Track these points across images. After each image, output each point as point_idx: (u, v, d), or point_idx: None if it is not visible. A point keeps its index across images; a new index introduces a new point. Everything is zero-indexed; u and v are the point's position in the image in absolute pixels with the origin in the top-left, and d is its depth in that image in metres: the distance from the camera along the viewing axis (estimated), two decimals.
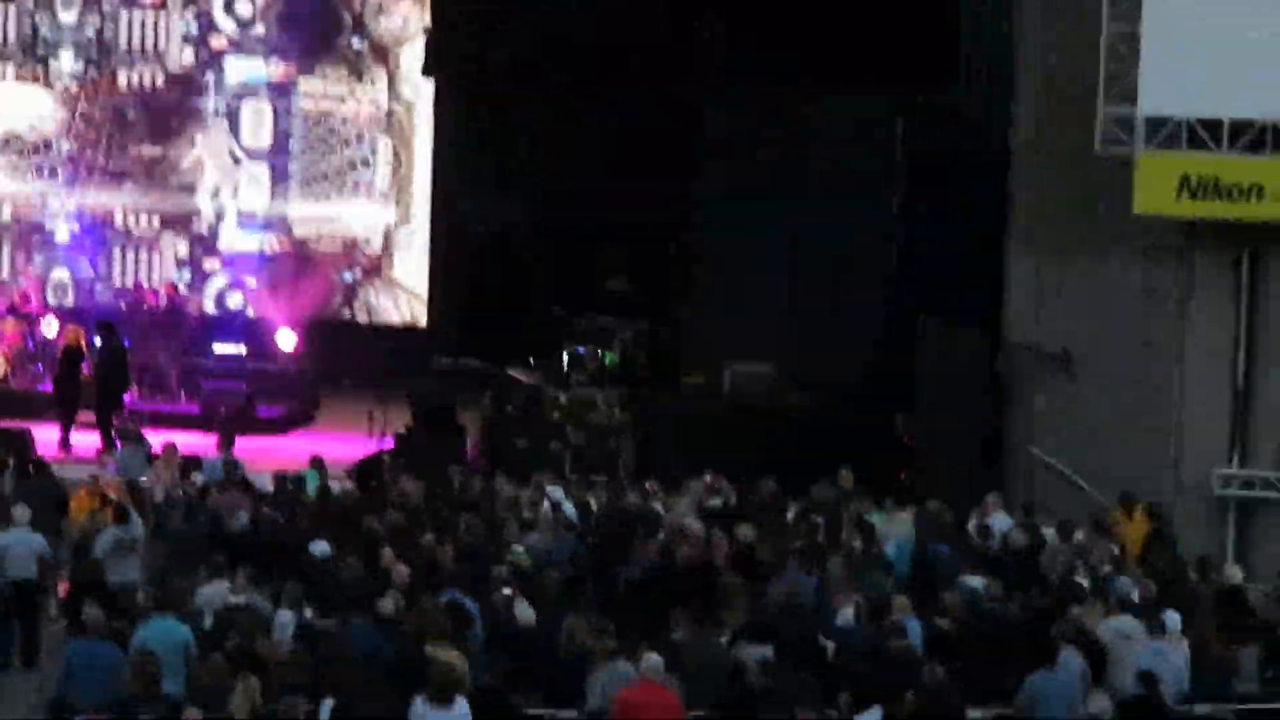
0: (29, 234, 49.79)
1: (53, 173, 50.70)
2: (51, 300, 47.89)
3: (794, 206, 42.37)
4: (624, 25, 43.91)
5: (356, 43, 50.16)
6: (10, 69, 50.96)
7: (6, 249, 50.14)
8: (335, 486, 35.60)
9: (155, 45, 50.74)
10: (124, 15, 50.43)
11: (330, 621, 27.66)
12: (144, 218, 50.22)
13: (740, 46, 43.14)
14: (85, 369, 43.33)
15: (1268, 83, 36.57)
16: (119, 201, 50.58)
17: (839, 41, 42.35)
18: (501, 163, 48.21)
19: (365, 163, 50.09)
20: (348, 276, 50.15)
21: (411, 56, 47.10)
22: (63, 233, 49.89)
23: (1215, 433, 37.21)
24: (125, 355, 43.55)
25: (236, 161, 50.52)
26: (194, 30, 50.61)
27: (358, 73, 50.28)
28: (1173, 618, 28.81)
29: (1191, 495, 36.34)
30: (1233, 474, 36.97)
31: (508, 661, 26.93)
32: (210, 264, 49.95)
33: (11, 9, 50.85)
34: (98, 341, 43.63)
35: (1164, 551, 33.28)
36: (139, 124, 50.95)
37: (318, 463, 36.79)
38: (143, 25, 50.70)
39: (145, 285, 48.56)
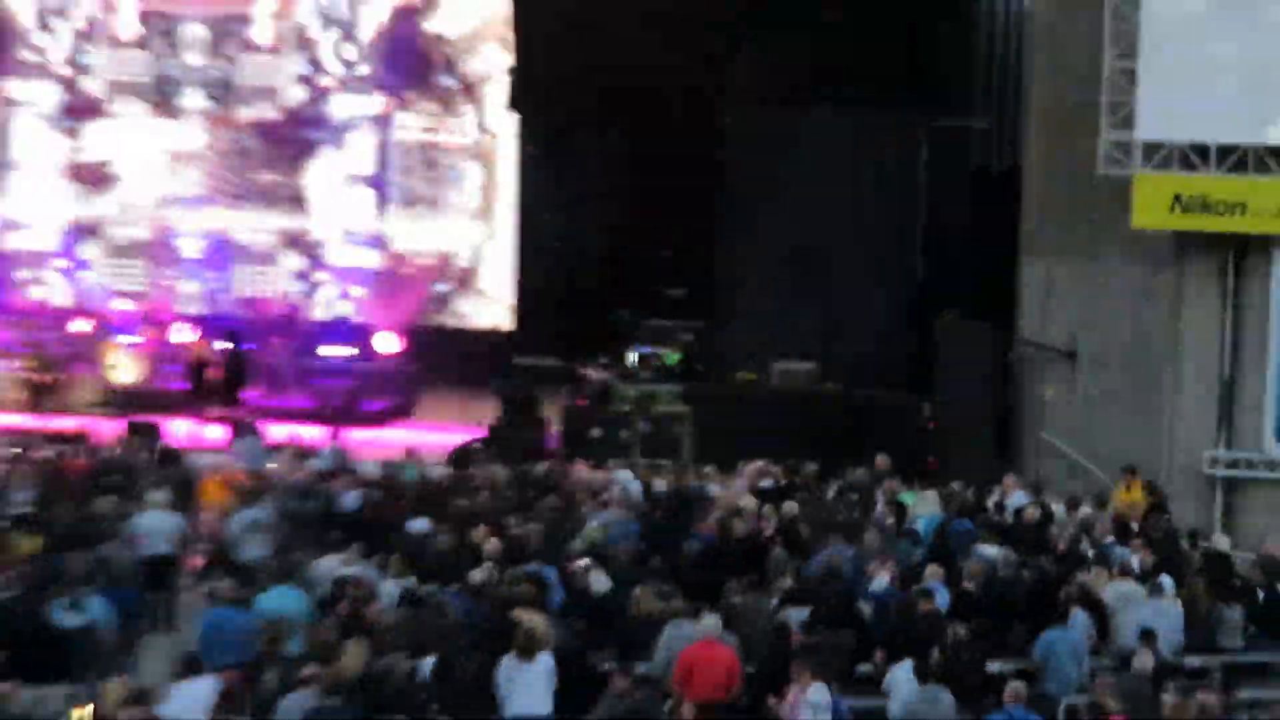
0: (162, 251, 49.89)
1: (183, 197, 50.80)
2: (182, 310, 47.91)
3: (832, 219, 42.45)
4: (675, 59, 43.98)
5: (448, 81, 50.21)
6: (146, 106, 51.07)
7: (143, 265, 50.24)
8: (432, 472, 35.83)
9: (271, 84, 50.87)
10: (244, 58, 50.54)
11: (429, 589, 27.80)
12: (262, 235, 50.29)
13: (785, 75, 43.20)
14: (212, 371, 43.51)
15: (1250, 110, 36.61)
16: (240, 221, 50.69)
17: (875, 72, 42.43)
18: (574, 186, 48.26)
19: (456, 186, 50.12)
20: (441, 287, 50.23)
21: (496, 93, 47.07)
22: (192, 249, 49.96)
23: (1204, 419, 37.21)
24: (246, 359, 43.70)
25: (344, 186, 50.58)
26: (305, 71, 50.72)
27: (449, 107, 50.33)
28: (1168, 581, 28.97)
29: (1183, 474, 36.37)
30: (1219, 455, 36.97)
31: (584, 624, 27.01)
32: (320, 276, 50.04)
33: (147, 54, 50.96)
34: (224, 347, 43.81)
35: (1160, 523, 33.38)
36: (258, 153, 51.06)
37: (412, 454, 37.24)
38: (260, 67, 50.82)
39: (263, 296, 48.62)
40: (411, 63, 50.45)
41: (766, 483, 35.12)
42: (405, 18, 50.04)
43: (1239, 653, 28.29)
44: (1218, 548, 32.54)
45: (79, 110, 51.71)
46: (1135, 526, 33.14)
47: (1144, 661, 25.55)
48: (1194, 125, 36.70)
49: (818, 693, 23.57)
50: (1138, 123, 36.80)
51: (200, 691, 23.40)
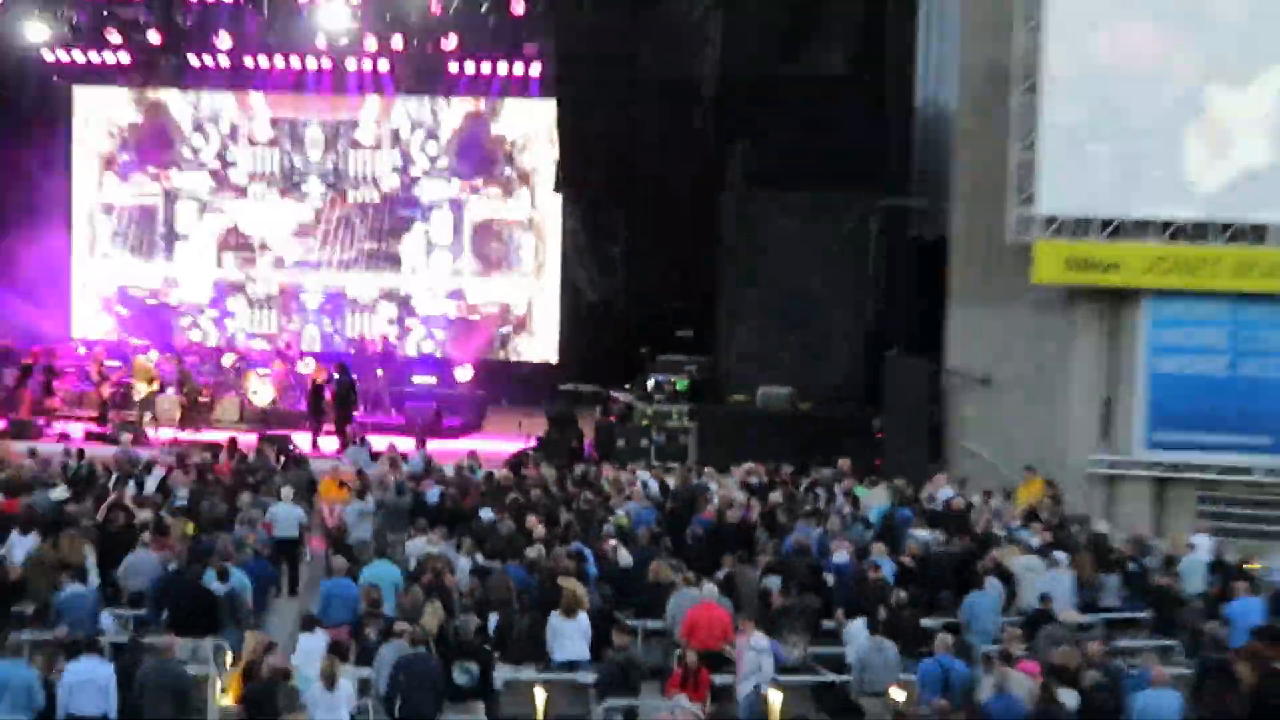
0: (290, 302, 50.01)
1: (306, 261, 50.89)
2: (305, 348, 48.00)
3: (806, 276, 42.42)
4: (682, 154, 44.07)
5: (508, 170, 50.24)
6: (275, 191, 51.12)
7: (275, 313, 50.30)
8: (495, 473, 36.02)
9: (373, 173, 50.96)
10: (352, 153, 50.63)
11: (494, 564, 27.92)
12: (367, 290, 50.38)
13: (769, 164, 43.23)
14: (327, 395, 43.55)
15: (1122, 192, 36.61)
16: (350, 280, 50.76)
17: (839, 162, 42.39)
18: (604, 250, 48.28)
19: (514, 252, 50.16)
20: (503, 330, 50.21)
21: (545, 179, 47.09)
22: (313, 301, 50.08)
23: (1088, 430, 37.19)
24: (354, 385, 43.70)
25: (429, 252, 50.62)
26: (399, 163, 50.78)
27: (508, 190, 50.37)
28: (1061, 556, 29.04)
29: (1073, 473, 36.34)
30: (1100, 458, 36.97)
31: (612, 590, 27.20)
32: (411, 322, 50.06)
33: (277, 150, 51.04)
34: (336, 376, 43.85)
35: (1055, 511, 33.44)
36: (362, 226, 51.13)
37: (474, 456, 37.42)
38: (365, 160, 50.91)
39: (367, 337, 48.68)
40: (480, 157, 50.43)
41: (753, 480, 35.25)
42: (475, 122, 50.02)
43: (1115, 610, 28.29)
44: (1099, 530, 32.62)
45: (226, 194, 51.73)
46: (1037, 513, 33.30)
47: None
48: (1081, 202, 36.64)
49: (759, 639, 23.91)
50: (1037, 201, 36.76)
51: (316, 643, 23.46)
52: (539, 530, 30.28)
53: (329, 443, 41.29)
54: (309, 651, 23.61)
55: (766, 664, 23.80)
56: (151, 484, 33.70)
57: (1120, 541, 31.99)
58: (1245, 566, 29.70)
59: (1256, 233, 36.39)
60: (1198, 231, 36.69)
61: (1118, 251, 36.92)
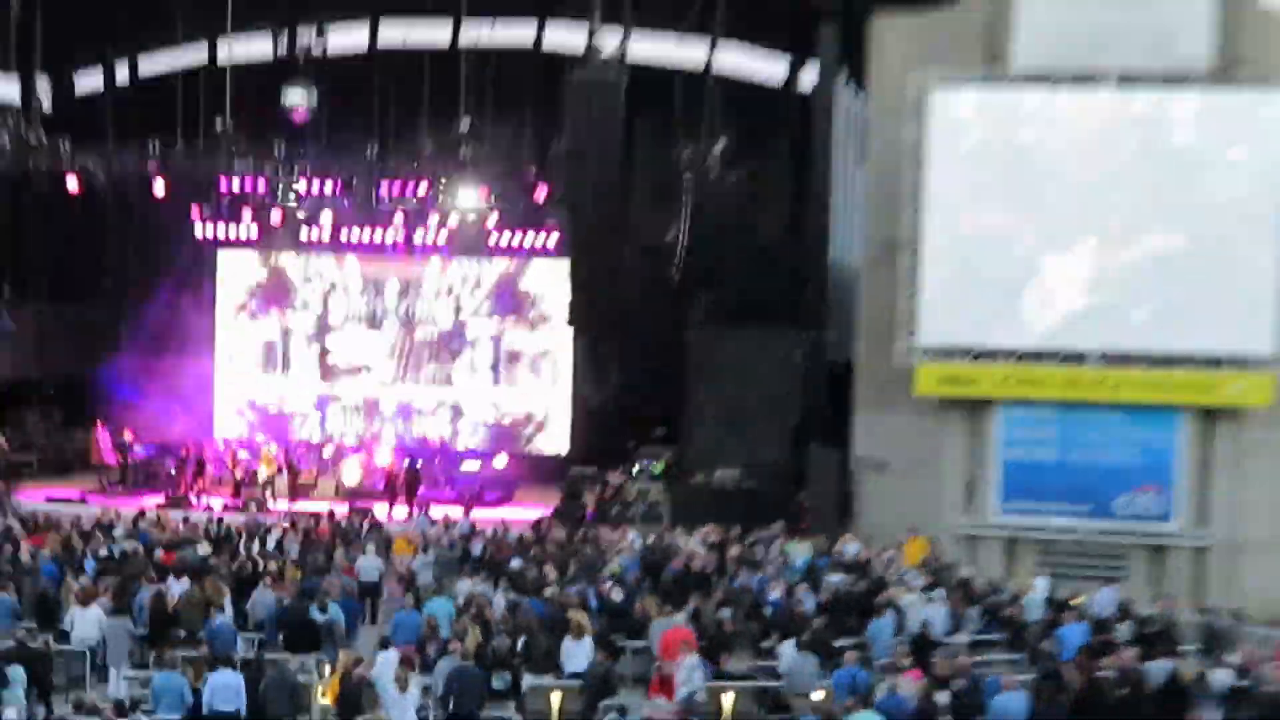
0: (372, 410, 50.14)
1: (384, 380, 50.89)
2: (383, 443, 47.95)
3: (749, 393, 42.46)
4: (657, 298, 44.15)
5: (532, 313, 50.31)
6: (362, 328, 51.15)
7: (362, 417, 50.36)
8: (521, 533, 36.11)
9: (434, 315, 51.03)
10: (418, 301, 50.72)
11: (522, 599, 27.93)
12: (428, 401, 50.43)
13: (721, 307, 43.34)
14: (399, 478, 43.62)
15: (979, 330, 36.66)
16: (416, 393, 50.76)
17: (773, 307, 42.57)
18: (603, 370, 48.32)
19: (536, 373, 50.21)
20: (528, 430, 50.23)
21: (560, 317, 47.13)
22: (389, 409, 50.17)
23: (957, 502, 37.17)
24: (418, 471, 43.73)
25: (475, 373, 50.60)
26: (453, 307, 50.83)
27: (534, 327, 50.42)
28: (938, 593, 29.08)
29: (945, 533, 36.26)
30: (965, 523, 36.97)
31: (608, 620, 27.20)
32: (461, 424, 50.05)
33: (363, 298, 51.15)
34: (405, 464, 43.91)
35: (932, 561, 33.44)
36: (426, 354, 51.17)
37: (504, 523, 37.49)
38: (427, 305, 50.97)
39: (428, 436, 48.70)
40: (512, 302, 50.49)
41: (711, 538, 35.11)
42: (508, 278, 50.10)
43: (977, 634, 28.29)
44: (965, 575, 32.57)
45: (324, 330, 51.78)
46: (916, 561, 33.37)
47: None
48: (950, 337, 36.72)
49: (691, 659, 23.95)
50: (918, 336, 36.82)
51: (391, 658, 23.50)
52: (553, 575, 30.51)
53: (400, 513, 41.24)
54: (385, 664, 23.71)
55: (697, 677, 23.83)
56: (271, 542, 33.94)
57: (980, 583, 32.06)
58: (1071, 602, 29.69)
59: (1077, 358, 36.48)
60: (1034, 357, 36.72)
61: (977, 372, 36.92)
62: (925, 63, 37.37)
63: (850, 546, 34.78)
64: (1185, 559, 36.61)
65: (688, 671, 24.07)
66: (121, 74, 54.50)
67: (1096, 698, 23.18)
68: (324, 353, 52.11)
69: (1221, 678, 24.50)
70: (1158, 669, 24.36)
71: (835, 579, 30.84)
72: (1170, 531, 36.65)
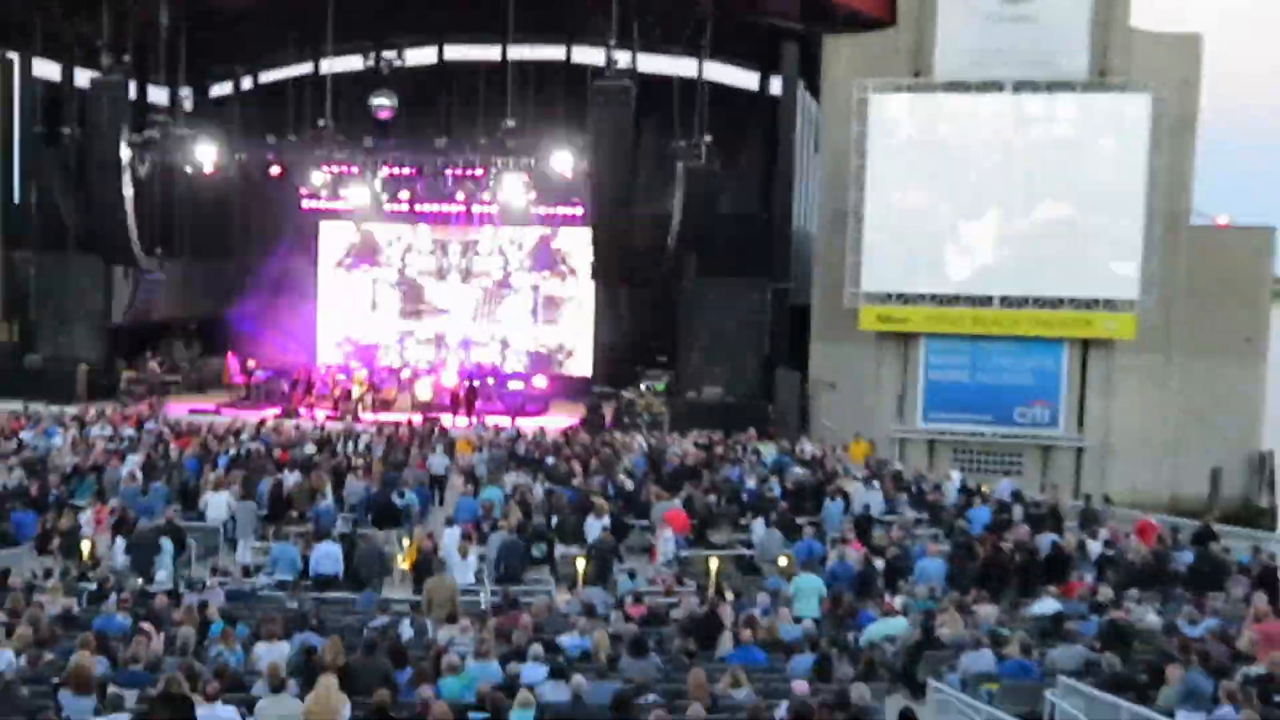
0: (440, 342, 50.35)
1: (449, 319, 50.74)
2: (448, 368, 47.66)
3: (729, 329, 42.35)
4: (659, 257, 43.85)
5: (562, 267, 50.23)
6: (432, 279, 51.45)
7: (432, 347, 50.42)
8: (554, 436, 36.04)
9: (487, 270, 51.24)
10: (475, 258, 51.12)
11: (556, 488, 28.03)
12: (483, 335, 50.44)
13: (708, 263, 43.05)
14: (461, 395, 43.50)
15: (910, 278, 36.65)
16: (474, 329, 50.73)
17: (748, 261, 42.27)
18: (618, 311, 48.24)
19: (566, 313, 50.53)
20: (560, 357, 50.03)
21: (584, 269, 46.87)
22: (453, 341, 50.19)
23: (890, 412, 37.07)
24: (475, 389, 43.60)
25: (519, 315, 50.61)
26: (502, 264, 51.07)
27: (563, 278, 50.27)
28: (873, 484, 29.02)
29: (881, 436, 36.27)
30: (896, 428, 36.94)
31: (622, 503, 27.09)
32: (508, 353, 50.00)
33: (432, 257, 50.88)
34: (466, 384, 43.83)
35: (873, 458, 33.30)
36: (481, 299, 51.21)
37: (542, 429, 37.38)
38: (482, 262, 51.17)
39: (483, 362, 48.56)
40: (547, 260, 50.35)
41: (700, 440, 35.09)
42: (545, 241, 50.00)
43: (906, 514, 28.15)
44: (896, 468, 32.53)
45: (403, 281, 51.63)
46: (860, 459, 33.26)
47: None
48: (886, 284, 36.76)
49: (668, 533, 24.90)
50: (861, 283, 36.83)
51: (455, 534, 23.35)
52: (579, 469, 30.48)
53: (462, 421, 41.06)
54: (451, 538, 23.62)
55: (670, 548, 24.54)
56: (361, 444, 33.96)
57: (908, 475, 31.99)
58: (980, 489, 29.71)
59: (985, 301, 36.51)
60: (951, 300, 36.77)
61: (906, 312, 37.05)
62: (865, 74, 37.66)
63: (808, 447, 34.78)
64: (1067, 457, 36.96)
65: (664, 543, 24.65)
66: (246, 83, 54.60)
67: (999, 563, 23.18)
68: (402, 298, 51.95)
69: (1094, 548, 24.62)
70: (1045, 541, 24.36)
71: (796, 472, 30.85)
72: (1056, 435, 36.85)
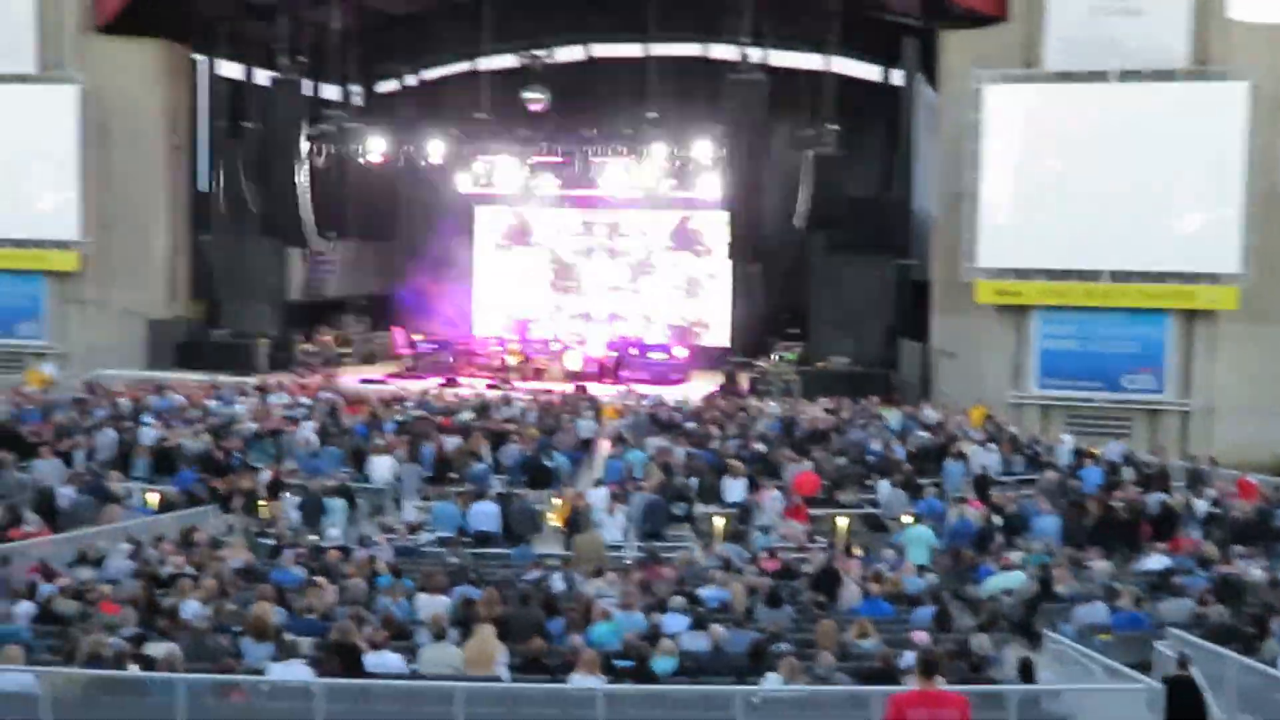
0: (588, 316, 50.36)
1: (597, 293, 50.85)
2: (596, 339, 47.58)
3: (855, 301, 41.91)
4: (790, 237, 43.71)
5: (700, 248, 50.02)
6: (582, 258, 51.69)
7: (581, 321, 50.13)
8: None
9: (631, 249, 51.36)
10: (621, 239, 51.00)
11: (695, 450, 28.12)
12: (628, 310, 50.23)
13: (836, 242, 42.74)
14: (609, 364, 43.66)
15: (1022, 255, 36.20)
16: (619, 304, 50.56)
17: (873, 239, 41.88)
18: (752, 288, 47.82)
19: (706, 290, 50.04)
20: (699, 329, 49.72)
21: (721, 250, 46.63)
22: (600, 316, 49.96)
23: (1007, 379, 36.52)
24: (621, 359, 43.93)
25: (662, 291, 50.63)
26: (646, 244, 51.01)
27: (700, 256, 50.14)
28: (993, 446, 28.63)
29: (998, 402, 35.67)
30: (1012, 394, 36.40)
31: (755, 466, 27.02)
32: (652, 326, 49.48)
33: (582, 238, 51.03)
34: (614, 354, 44.02)
35: (989, 423, 32.83)
36: (626, 276, 51.30)
37: (684, 398, 37.33)
38: (627, 242, 51.18)
39: (629, 334, 48.20)
40: (687, 240, 50.21)
41: (829, 406, 34.73)
42: (684, 223, 49.95)
43: (1022, 475, 27.80)
44: (1012, 431, 32.06)
45: (556, 263, 51.80)
46: (979, 423, 32.81)
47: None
48: (1000, 261, 36.23)
49: (774, 494, 24.94)
50: (977, 260, 36.36)
51: (601, 493, 23.40)
52: (717, 433, 30.30)
53: (608, 390, 40.96)
54: (598, 497, 23.67)
55: (778, 506, 24.16)
56: (516, 410, 33.88)
57: (1024, 438, 31.55)
58: (1091, 451, 29.25)
59: (1093, 275, 35.88)
60: (1061, 275, 36.17)
61: (1021, 286, 36.38)
62: (980, 65, 36.97)
63: (929, 412, 34.24)
64: (1173, 420, 36.06)
65: (771, 501, 24.52)
66: (410, 80, 54.88)
67: (1110, 521, 22.80)
68: (553, 275, 52.01)
69: (1201, 506, 24.18)
70: (1154, 500, 23.99)
71: (919, 435, 30.58)
72: (1162, 400, 36.08)
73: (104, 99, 43.23)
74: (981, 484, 26.02)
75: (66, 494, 24.17)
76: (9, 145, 43.45)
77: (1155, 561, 20.33)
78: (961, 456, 27.67)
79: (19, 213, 43.71)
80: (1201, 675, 14.50)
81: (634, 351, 45.90)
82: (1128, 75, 35.74)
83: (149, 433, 29.43)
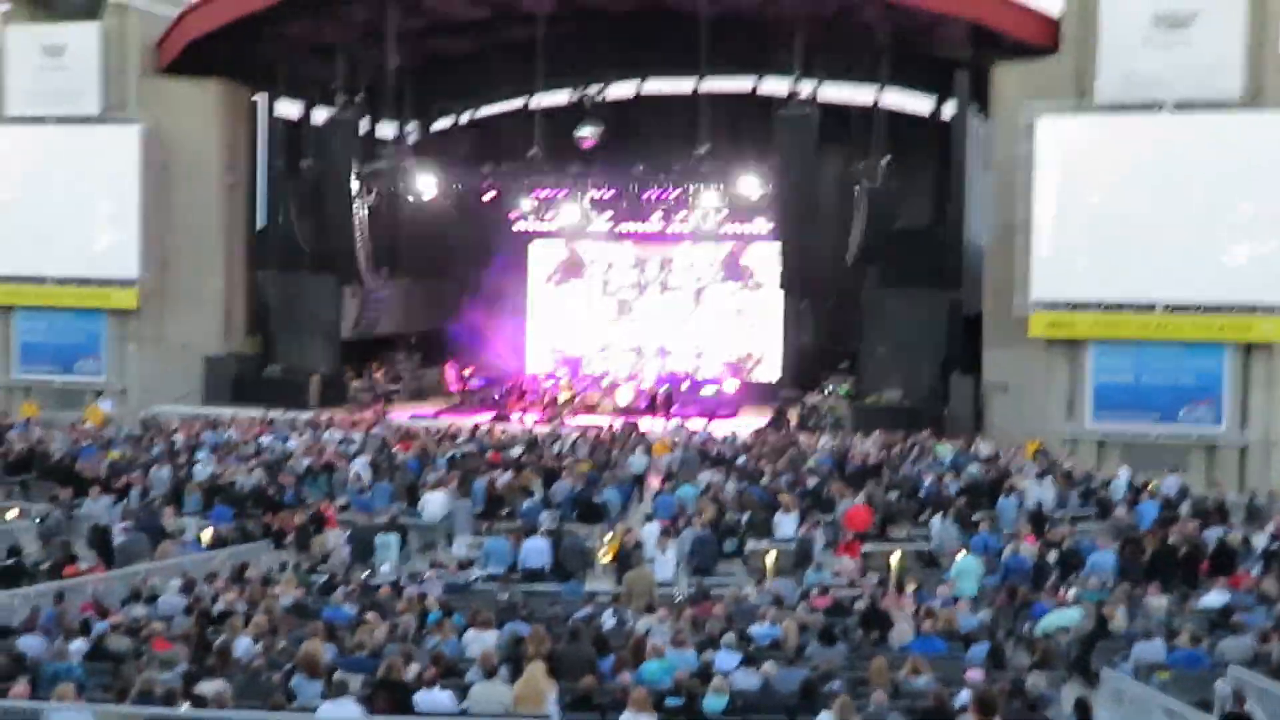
0: (639, 350, 50.05)
1: (648, 328, 50.76)
2: (647, 375, 47.54)
3: (907, 335, 41.42)
4: (842, 270, 43.52)
5: (752, 281, 49.90)
6: (634, 293, 51.78)
7: (633, 355, 49.59)
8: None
9: (683, 283, 51.20)
10: (672, 273, 50.95)
11: (745, 485, 27.76)
12: (679, 344, 49.77)
13: (888, 275, 42.54)
14: (659, 400, 43.62)
15: (1075, 288, 35.93)
16: (670, 338, 50.27)
17: (928, 275, 41.52)
18: (804, 322, 47.57)
19: (755, 323, 49.94)
20: (750, 364, 49.49)
21: (773, 284, 46.20)
22: (650, 350, 49.45)
23: (1060, 413, 36.24)
24: (672, 395, 43.76)
25: (711, 323, 50.41)
26: (697, 277, 51.06)
27: (752, 289, 49.97)
28: (1047, 480, 28.27)
29: (1053, 437, 35.36)
30: (1067, 428, 36.17)
31: (808, 502, 26.83)
32: (703, 360, 49.01)
33: (633, 271, 50.95)
34: (664, 389, 43.91)
35: (1044, 457, 32.46)
36: (678, 310, 51.12)
37: (734, 432, 37.07)
38: (678, 277, 51.08)
39: (679, 369, 47.90)
40: (738, 274, 50.27)
41: (882, 441, 34.43)
42: (734, 256, 50.17)
43: (1077, 510, 27.52)
44: (1067, 467, 31.61)
45: (608, 298, 51.92)
46: (1030, 457, 32.46)
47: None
48: (1053, 294, 35.96)
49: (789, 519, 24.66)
50: (1031, 293, 36.12)
51: (653, 529, 23.21)
52: (768, 468, 30.09)
53: (658, 424, 40.80)
54: (649, 533, 23.52)
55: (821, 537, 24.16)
56: (567, 445, 33.79)
57: (1079, 473, 31.17)
58: (1147, 485, 28.89)
59: (1148, 307, 35.55)
60: (1116, 308, 35.85)
61: (1074, 319, 36.13)
62: (1032, 97, 36.88)
63: (983, 446, 34.04)
64: (1231, 454, 35.66)
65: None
66: (464, 118, 55.19)
67: (1167, 557, 22.43)
68: (605, 310, 51.94)
69: (1260, 541, 23.71)
70: (1212, 535, 23.60)
71: (972, 470, 30.22)
72: (1220, 434, 35.66)
73: (164, 138, 43.99)
74: (1036, 519, 25.73)
75: (121, 530, 24.31)
76: (73, 186, 44.16)
77: (1214, 598, 19.95)
78: (1016, 492, 27.35)
79: (81, 252, 44.45)
80: (1262, 713, 14.21)
81: (685, 386, 45.81)
82: (1181, 106, 35.48)
83: (203, 469, 29.71)
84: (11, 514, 26.22)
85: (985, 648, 17.15)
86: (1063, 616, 18.99)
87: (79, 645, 16.23)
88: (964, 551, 22.85)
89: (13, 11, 45.00)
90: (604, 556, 23.98)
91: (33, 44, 44.08)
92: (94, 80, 43.84)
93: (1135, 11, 35.74)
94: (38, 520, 25.65)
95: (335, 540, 24.57)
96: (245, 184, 46.21)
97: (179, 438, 33.87)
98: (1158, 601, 19.48)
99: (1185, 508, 26.67)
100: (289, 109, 47.81)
